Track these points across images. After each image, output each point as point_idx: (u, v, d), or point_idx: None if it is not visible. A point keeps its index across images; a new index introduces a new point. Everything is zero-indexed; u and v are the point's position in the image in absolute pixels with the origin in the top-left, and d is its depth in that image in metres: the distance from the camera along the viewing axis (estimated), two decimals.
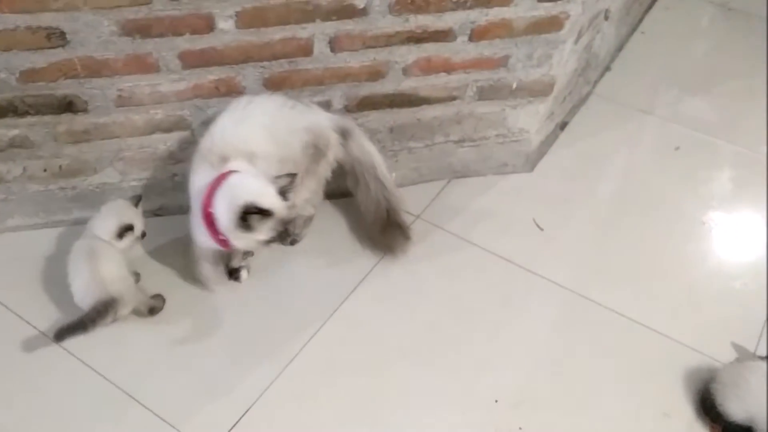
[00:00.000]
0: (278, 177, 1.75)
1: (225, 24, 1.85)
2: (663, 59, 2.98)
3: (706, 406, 1.79)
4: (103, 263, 1.88)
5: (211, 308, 2.02)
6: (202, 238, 1.82)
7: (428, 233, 2.22)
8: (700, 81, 2.89)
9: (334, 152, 2.01)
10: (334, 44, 1.97)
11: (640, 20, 3.18)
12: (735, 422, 1.72)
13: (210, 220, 1.73)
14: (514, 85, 2.20)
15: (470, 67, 2.12)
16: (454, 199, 2.35)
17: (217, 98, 2.03)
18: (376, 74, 2.08)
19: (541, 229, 2.26)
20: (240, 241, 1.74)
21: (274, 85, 2.03)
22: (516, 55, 2.11)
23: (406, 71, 2.09)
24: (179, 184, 2.20)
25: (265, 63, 1.98)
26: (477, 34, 2.03)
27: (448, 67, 2.11)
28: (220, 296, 2.04)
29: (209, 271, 2.01)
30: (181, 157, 2.15)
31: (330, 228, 2.22)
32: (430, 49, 2.04)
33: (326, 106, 2.12)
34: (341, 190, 2.19)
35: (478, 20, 1.99)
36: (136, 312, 1.94)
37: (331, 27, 1.92)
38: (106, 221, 1.96)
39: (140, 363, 1.89)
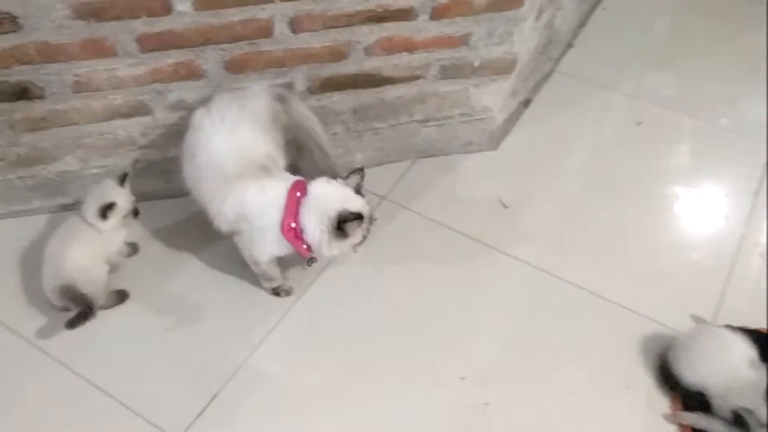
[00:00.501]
0: (348, 176, 1.79)
1: (182, 6, 1.82)
2: (625, 35, 3.01)
3: (665, 374, 1.83)
4: (72, 248, 1.85)
5: (175, 295, 2.01)
6: (271, 249, 1.82)
7: (394, 213, 2.23)
8: (661, 57, 2.92)
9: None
10: (295, 25, 1.95)
11: None
12: (689, 388, 1.77)
13: (294, 234, 1.73)
14: (477, 64, 2.20)
15: (432, 45, 2.12)
16: (419, 179, 2.35)
17: (178, 82, 2.00)
18: (338, 55, 2.07)
19: (506, 207, 2.27)
20: (335, 249, 1.75)
21: (235, 67, 2.01)
22: (477, 33, 2.11)
23: (368, 51, 2.08)
24: (142, 171, 2.18)
25: (225, 45, 1.95)
26: (438, 13, 2.03)
27: (410, 47, 2.10)
28: (183, 283, 2.03)
29: (278, 276, 1.99)
30: (143, 143, 2.12)
31: None
32: (391, 29, 2.04)
33: (289, 87, 2.11)
34: None
35: None
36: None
37: (291, 7, 1.90)
38: (89, 203, 1.92)
39: (104, 353, 1.88)
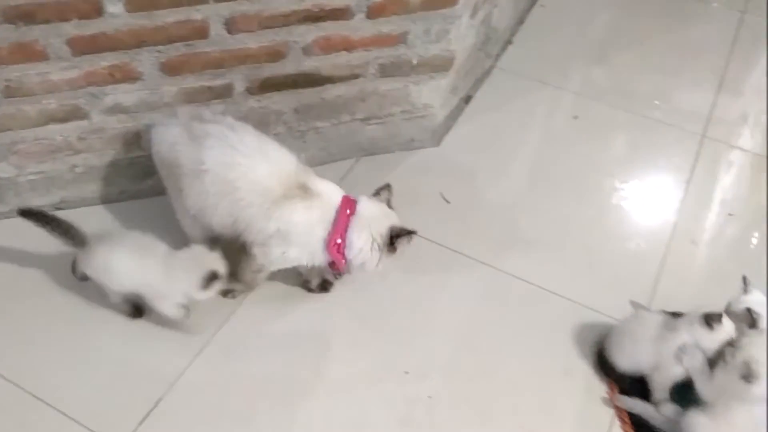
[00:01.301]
0: (378, 192, 1.88)
1: (114, 7, 1.80)
2: (563, 32, 3.08)
3: (601, 361, 1.89)
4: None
5: (113, 303, 1.96)
6: (303, 260, 1.84)
7: None
8: (598, 52, 3.00)
9: None
10: (231, 25, 1.95)
11: None
12: (625, 373, 1.83)
13: (338, 249, 1.79)
14: (415, 61, 2.23)
15: (370, 44, 2.14)
16: (363, 177, 2.37)
17: (113, 85, 1.98)
18: (276, 55, 2.07)
19: (448, 203, 2.31)
20: (381, 263, 1.83)
21: (172, 69, 2.00)
22: (414, 31, 2.14)
23: (306, 51, 2.09)
24: (81, 176, 2.15)
25: (161, 47, 1.93)
26: (374, 11, 2.05)
27: (348, 46, 2.12)
28: None
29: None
30: (81, 147, 2.09)
31: None
32: (328, 28, 2.05)
33: (228, 89, 2.11)
34: None
35: None
36: None
37: (226, 8, 1.90)
38: (185, 271, 1.78)
39: (43, 362, 1.84)
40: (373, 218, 1.81)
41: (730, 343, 1.70)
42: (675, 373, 1.76)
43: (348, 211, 1.79)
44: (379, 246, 1.80)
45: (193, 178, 1.81)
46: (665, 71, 2.94)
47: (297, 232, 1.79)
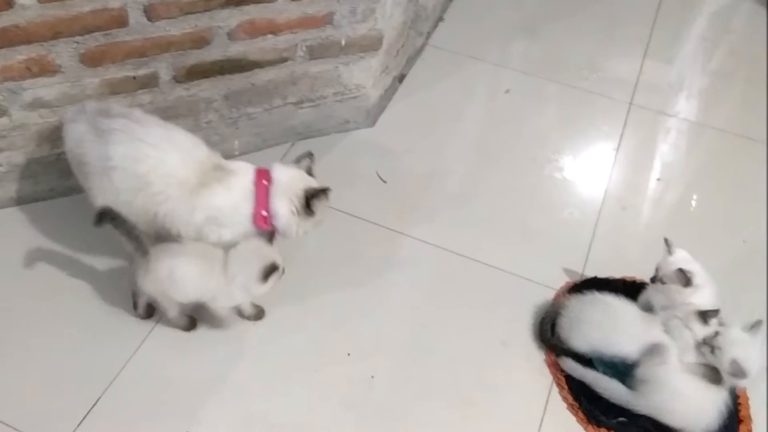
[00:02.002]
0: (299, 160, 1.90)
1: None
2: (493, 6, 3.11)
3: (544, 334, 1.93)
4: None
5: (48, 300, 1.94)
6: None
7: None
8: (527, 25, 3.05)
9: None
10: (150, 12, 1.90)
11: None
12: (578, 353, 1.85)
13: (264, 221, 1.79)
14: (343, 42, 2.22)
15: (296, 26, 2.11)
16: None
17: (31, 79, 1.91)
18: (200, 41, 2.03)
19: (385, 182, 2.32)
20: (302, 228, 1.84)
21: (92, 60, 1.94)
22: (340, 12, 2.13)
23: (231, 36, 2.06)
24: (5, 175, 2.08)
25: (78, 38, 1.88)
26: None
27: (274, 29, 2.10)
28: (56, 288, 1.97)
29: None
30: (3, 145, 2.02)
31: None
32: (252, 12, 2.02)
33: (153, 78, 2.06)
34: None
35: None
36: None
37: None
38: (241, 263, 1.75)
39: None
40: (289, 183, 1.81)
41: (706, 342, 1.76)
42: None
43: (265, 182, 1.80)
44: (297, 210, 1.80)
45: (101, 176, 1.75)
46: (593, 41, 3.00)
47: (225, 215, 1.79)
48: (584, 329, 1.85)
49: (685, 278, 1.78)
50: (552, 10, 3.15)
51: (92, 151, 1.75)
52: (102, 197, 1.77)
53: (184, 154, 1.77)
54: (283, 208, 1.79)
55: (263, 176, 1.80)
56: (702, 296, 1.79)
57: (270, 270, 1.73)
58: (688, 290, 1.78)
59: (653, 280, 1.87)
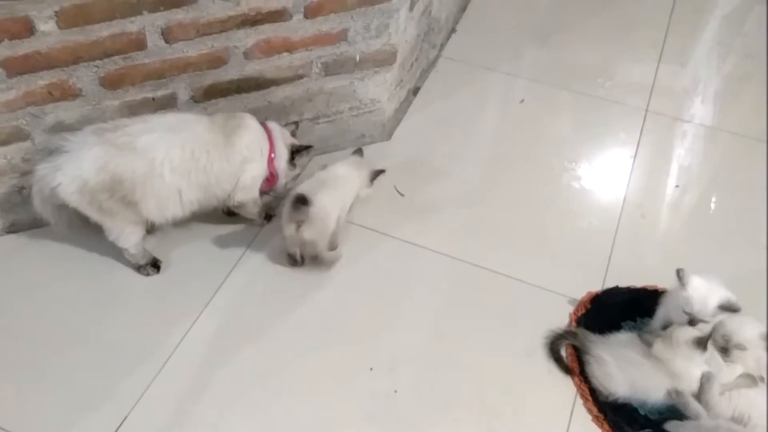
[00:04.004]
0: (286, 125, 2.21)
1: (45, 26, 1.77)
2: (505, 15, 3.12)
3: (555, 354, 1.92)
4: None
5: (68, 318, 1.97)
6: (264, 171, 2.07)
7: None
8: (540, 33, 3.05)
9: None
10: (168, 35, 1.93)
11: None
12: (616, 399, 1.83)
13: (272, 162, 2.07)
14: (358, 58, 2.23)
15: (311, 44, 2.14)
16: None
17: (53, 103, 1.95)
18: (217, 61, 2.06)
19: (402, 195, 2.32)
20: (288, 176, 2.14)
21: (111, 83, 1.97)
22: (354, 28, 2.14)
23: (247, 55, 2.08)
24: (29, 198, 2.10)
25: (98, 62, 1.91)
26: (311, 11, 2.05)
27: (289, 47, 2.12)
28: (77, 303, 2.00)
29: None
30: (26, 168, 2.05)
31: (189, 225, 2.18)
32: (267, 31, 2.04)
33: (172, 98, 2.09)
34: None
35: None
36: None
37: (161, 18, 1.89)
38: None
39: (42, 349, 1.86)
40: (282, 136, 2.09)
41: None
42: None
43: (269, 130, 2.06)
44: (287, 159, 2.09)
45: (148, 181, 1.82)
46: (607, 48, 2.99)
47: (253, 150, 2.00)
48: (613, 381, 1.82)
49: (731, 308, 1.76)
50: (564, 17, 3.15)
51: (128, 164, 1.79)
52: (155, 200, 1.87)
53: (199, 123, 1.92)
54: (283, 152, 2.08)
55: (265, 126, 2.05)
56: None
57: (376, 174, 2.14)
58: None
59: (704, 342, 1.77)
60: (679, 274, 1.80)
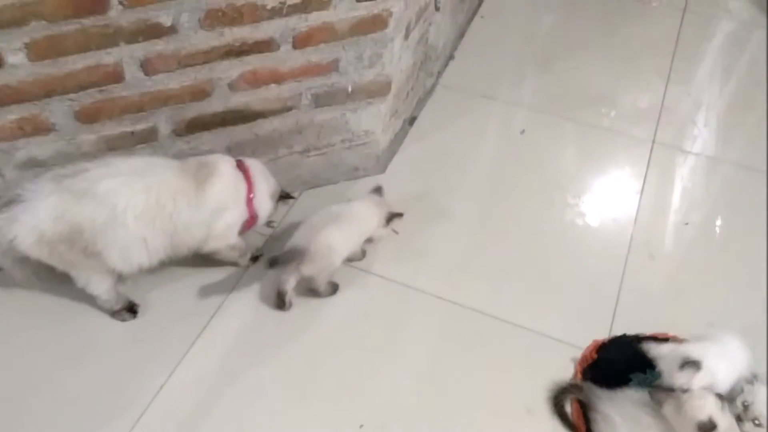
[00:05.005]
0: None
1: (15, 58, 1.67)
2: (505, 43, 3.02)
3: (559, 411, 1.78)
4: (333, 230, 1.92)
5: (37, 369, 1.85)
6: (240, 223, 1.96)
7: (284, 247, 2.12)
8: (541, 61, 2.94)
9: None
10: (147, 67, 1.82)
11: (479, 5, 3.20)
12: None
13: (251, 203, 1.94)
14: (350, 89, 2.13)
15: (300, 75, 2.03)
16: (306, 211, 2.24)
17: (24, 138, 1.84)
18: (200, 93, 1.95)
19: (397, 233, 2.20)
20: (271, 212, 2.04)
21: (87, 117, 1.87)
22: (345, 58, 2.04)
23: (232, 87, 1.97)
24: None
25: (72, 95, 1.81)
26: (300, 41, 1.94)
27: (277, 78, 2.01)
28: (47, 353, 1.88)
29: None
30: None
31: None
32: (253, 62, 1.94)
33: (152, 132, 1.98)
34: None
35: (299, 26, 1.90)
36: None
37: (139, 49, 1.78)
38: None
39: (10, 402, 1.75)
40: (263, 172, 1.99)
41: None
42: None
43: (246, 167, 1.93)
44: (272, 195, 2.01)
45: (110, 230, 1.70)
46: (610, 76, 2.89)
47: (228, 197, 1.88)
48: None
49: None
50: (565, 43, 3.05)
51: (86, 212, 1.66)
52: (118, 251, 1.74)
53: (168, 168, 1.79)
54: (265, 191, 1.96)
55: (241, 165, 1.93)
56: None
57: (391, 217, 2.05)
58: None
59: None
60: (691, 363, 1.63)
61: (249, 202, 1.92)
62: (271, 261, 1.89)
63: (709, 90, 2.90)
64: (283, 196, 2.07)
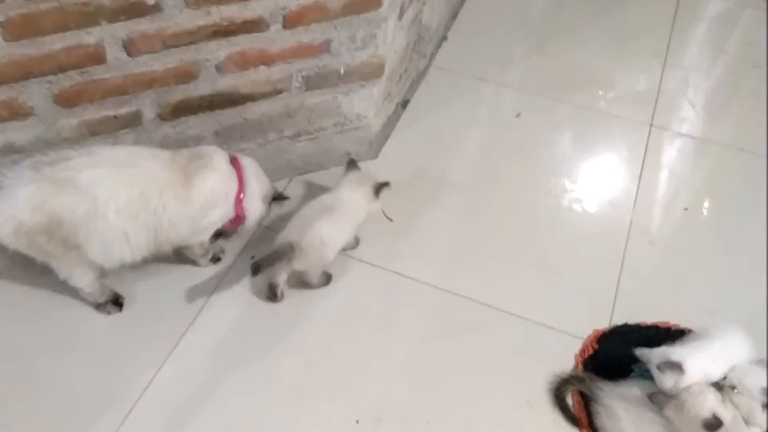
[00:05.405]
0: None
1: None
2: (499, 22, 2.94)
3: (560, 403, 1.74)
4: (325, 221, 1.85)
5: (20, 364, 1.77)
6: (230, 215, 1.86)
7: (273, 240, 2.04)
8: (536, 41, 2.88)
9: None
10: (130, 47, 1.74)
11: None
12: None
13: (240, 203, 1.84)
14: (342, 71, 2.05)
15: (290, 56, 1.95)
16: (297, 199, 2.18)
17: (2, 124, 1.75)
18: (186, 76, 1.87)
19: (391, 220, 2.14)
20: (263, 214, 1.95)
21: (67, 101, 1.78)
22: (338, 39, 1.96)
23: (220, 69, 1.89)
24: None
25: (51, 77, 1.72)
26: (291, 21, 1.86)
27: (267, 59, 1.93)
28: (30, 348, 1.80)
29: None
30: None
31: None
32: (242, 42, 1.85)
33: (136, 116, 1.90)
34: None
35: (289, 5, 1.82)
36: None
37: (122, 28, 1.69)
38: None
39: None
40: (257, 173, 1.89)
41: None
42: None
43: (240, 166, 1.84)
44: (265, 198, 1.91)
45: (91, 222, 1.61)
46: (606, 58, 2.83)
47: (217, 195, 1.78)
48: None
49: None
50: (561, 24, 2.98)
51: (67, 203, 1.58)
52: (99, 244, 1.66)
53: (156, 160, 1.70)
54: (257, 192, 1.86)
55: (236, 162, 1.84)
56: None
57: (380, 187, 1.95)
58: None
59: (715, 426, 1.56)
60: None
61: (238, 202, 1.83)
62: (255, 267, 1.76)
63: (708, 72, 2.85)
64: (277, 198, 1.97)
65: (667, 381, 1.57)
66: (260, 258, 1.77)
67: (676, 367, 1.56)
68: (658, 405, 1.58)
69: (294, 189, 2.23)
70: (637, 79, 2.75)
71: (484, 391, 1.77)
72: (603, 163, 2.43)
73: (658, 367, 1.59)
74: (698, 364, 1.58)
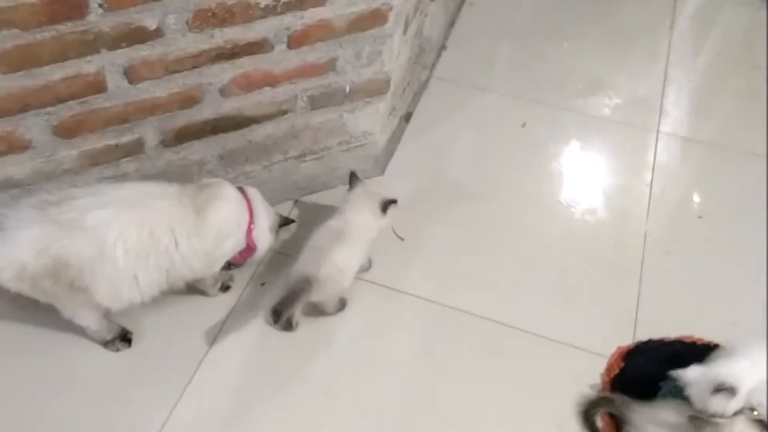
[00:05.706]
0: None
1: None
2: (496, 28, 2.89)
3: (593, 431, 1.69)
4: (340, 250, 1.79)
5: (23, 406, 1.70)
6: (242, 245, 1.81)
7: (280, 264, 1.99)
8: (535, 47, 2.83)
9: None
10: (131, 74, 1.67)
11: None
12: None
13: (250, 233, 1.79)
14: (348, 89, 2.00)
15: (295, 76, 1.89)
16: (304, 219, 2.12)
17: (1, 158, 1.68)
18: (189, 101, 1.81)
19: (402, 239, 2.09)
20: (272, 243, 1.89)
21: (67, 132, 1.72)
22: (343, 57, 1.90)
23: (223, 92, 1.83)
24: None
25: (50, 108, 1.65)
26: (295, 41, 1.80)
27: (271, 80, 1.87)
28: (34, 388, 1.73)
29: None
30: None
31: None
32: (246, 64, 1.80)
33: (138, 144, 1.84)
34: None
35: (294, 25, 1.77)
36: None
37: (123, 55, 1.63)
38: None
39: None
40: (263, 203, 1.85)
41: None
42: None
43: (247, 197, 1.80)
44: (272, 227, 1.86)
45: (98, 266, 1.54)
46: (607, 62, 2.79)
47: (230, 225, 1.74)
48: None
49: None
50: (557, 28, 2.93)
51: (73, 245, 1.51)
52: (108, 288, 1.59)
53: (164, 196, 1.65)
54: (265, 223, 1.82)
55: (244, 192, 1.80)
56: None
57: (387, 204, 1.89)
58: None
59: None
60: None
61: (249, 232, 1.78)
62: (276, 314, 1.74)
63: (710, 75, 2.82)
64: (283, 223, 1.92)
65: (717, 405, 1.52)
66: (279, 302, 1.73)
67: (731, 390, 1.52)
68: (696, 427, 1.53)
69: (300, 211, 2.17)
70: (639, 83, 2.71)
71: (511, 416, 1.72)
72: (612, 172, 2.39)
73: (712, 390, 1.53)
74: (748, 384, 1.53)
